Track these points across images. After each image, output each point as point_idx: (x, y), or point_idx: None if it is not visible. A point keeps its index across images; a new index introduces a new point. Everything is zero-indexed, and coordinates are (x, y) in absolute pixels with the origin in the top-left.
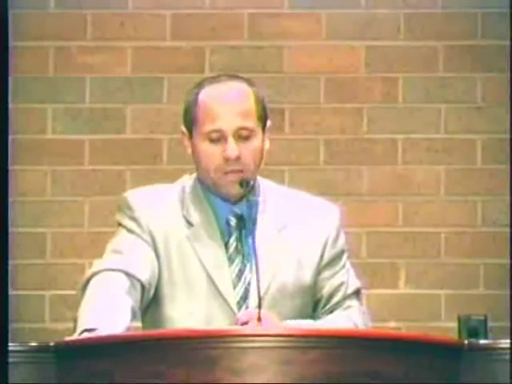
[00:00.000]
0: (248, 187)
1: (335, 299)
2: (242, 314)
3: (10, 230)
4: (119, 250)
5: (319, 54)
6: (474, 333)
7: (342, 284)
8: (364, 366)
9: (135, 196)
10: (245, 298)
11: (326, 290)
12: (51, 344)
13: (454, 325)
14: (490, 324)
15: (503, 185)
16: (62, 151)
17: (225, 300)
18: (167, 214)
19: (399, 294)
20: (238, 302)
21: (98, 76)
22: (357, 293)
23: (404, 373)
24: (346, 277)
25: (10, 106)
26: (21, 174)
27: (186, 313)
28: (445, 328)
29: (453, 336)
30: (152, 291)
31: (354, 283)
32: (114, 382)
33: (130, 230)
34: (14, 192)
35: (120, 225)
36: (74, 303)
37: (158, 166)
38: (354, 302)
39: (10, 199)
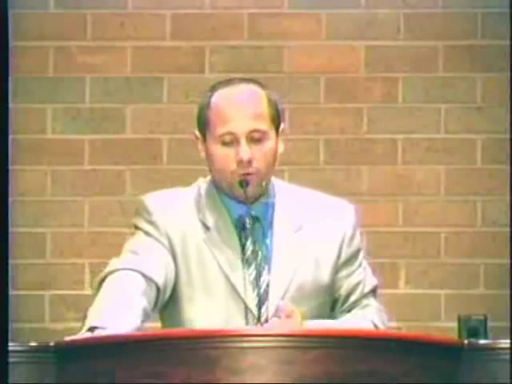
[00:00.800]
0: (247, 187)
1: (353, 298)
2: (282, 305)
3: (10, 230)
4: (136, 251)
5: (319, 54)
6: (473, 333)
7: (359, 283)
8: (364, 366)
9: (152, 199)
10: (264, 299)
11: (343, 290)
12: (51, 344)
13: (454, 325)
14: (489, 324)
15: (503, 185)
16: (61, 151)
17: (243, 302)
18: (184, 218)
19: (399, 294)
20: (257, 304)
21: (97, 76)
22: (374, 291)
23: (404, 373)
24: (362, 275)
25: (10, 105)
26: (21, 174)
27: (206, 314)
28: (445, 328)
29: (453, 336)
30: (167, 294)
31: (370, 281)
32: (114, 382)
33: (147, 233)
34: (14, 192)
35: (137, 228)
36: (74, 303)
37: (158, 166)
38: (371, 301)
39: (10, 199)
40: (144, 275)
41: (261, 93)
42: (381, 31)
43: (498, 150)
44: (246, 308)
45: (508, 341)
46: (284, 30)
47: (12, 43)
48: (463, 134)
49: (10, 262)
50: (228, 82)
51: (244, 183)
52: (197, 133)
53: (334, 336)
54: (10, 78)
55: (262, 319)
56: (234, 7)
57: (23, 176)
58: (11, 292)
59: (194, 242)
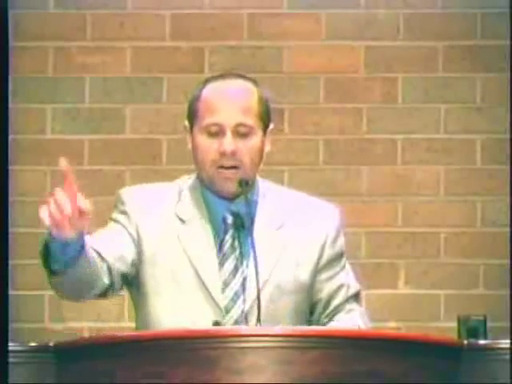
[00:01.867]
0: (247, 187)
1: (335, 302)
2: None
3: (10, 230)
4: (95, 235)
5: (319, 54)
6: (473, 333)
7: (341, 286)
8: (363, 366)
9: (129, 192)
10: (239, 295)
11: (325, 292)
12: (51, 344)
13: (454, 325)
14: (489, 324)
15: (503, 185)
16: (61, 151)
17: (211, 295)
18: (159, 211)
19: (399, 295)
20: (232, 299)
21: (97, 76)
22: (357, 295)
23: (403, 373)
24: (345, 279)
25: (10, 105)
26: (21, 174)
27: (173, 309)
28: (444, 328)
29: (452, 336)
30: (118, 280)
31: (353, 286)
32: (114, 382)
33: (115, 221)
34: (14, 192)
35: (110, 219)
36: (74, 303)
37: (158, 166)
38: (354, 305)
39: (10, 199)
40: (97, 252)
41: (252, 89)
42: (380, 31)
43: (497, 150)
44: (213, 301)
45: (508, 341)
46: (284, 30)
47: (12, 43)
48: (463, 134)
49: (10, 262)
50: (221, 76)
51: (244, 183)
52: (186, 123)
53: (333, 336)
54: (10, 78)
55: (236, 315)
56: (233, 7)
57: (23, 176)
58: (11, 292)
59: (166, 237)
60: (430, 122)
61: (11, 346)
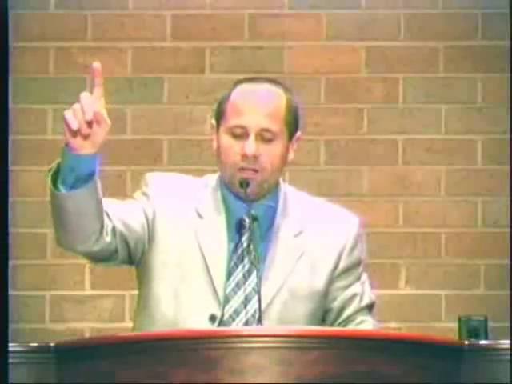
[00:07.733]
0: (247, 187)
1: (347, 311)
2: None
3: (10, 230)
4: (109, 201)
5: (319, 54)
6: (474, 333)
7: (355, 296)
8: (364, 367)
9: (155, 176)
10: (250, 298)
11: (338, 302)
12: (51, 344)
13: (455, 325)
14: (490, 324)
15: (503, 185)
16: None
17: (213, 286)
18: (179, 202)
19: (400, 295)
20: (243, 302)
21: None
22: (370, 307)
23: (404, 373)
24: (360, 289)
25: (10, 106)
26: (21, 175)
27: (174, 294)
28: (445, 328)
29: (453, 336)
30: (121, 247)
31: (368, 296)
32: (114, 382)
33: (135, 199)
34: (14, 192)
35: (131, 198)
36: (74, 303)
37: (159, 167)
38: (367, 317)
39: (10, 199)
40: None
41: (282, 95)
42: (381, 31)
43: (498, 150)
44: (216, 296)
45: (508, 341)
46: (284, 30)
47: (12, 43)
48: (463, 135)
49: (11, 262)
50: (253, 79)
51: (244, 183)
52: (213, 122)
53: (334, 337)
54: (10, 78)
55: (244, 319)
56: (234, 8)
57: (23, 176)
58: (11, 292)
59: (181, 225)
60: (431, 122)
61: (11, 346)
